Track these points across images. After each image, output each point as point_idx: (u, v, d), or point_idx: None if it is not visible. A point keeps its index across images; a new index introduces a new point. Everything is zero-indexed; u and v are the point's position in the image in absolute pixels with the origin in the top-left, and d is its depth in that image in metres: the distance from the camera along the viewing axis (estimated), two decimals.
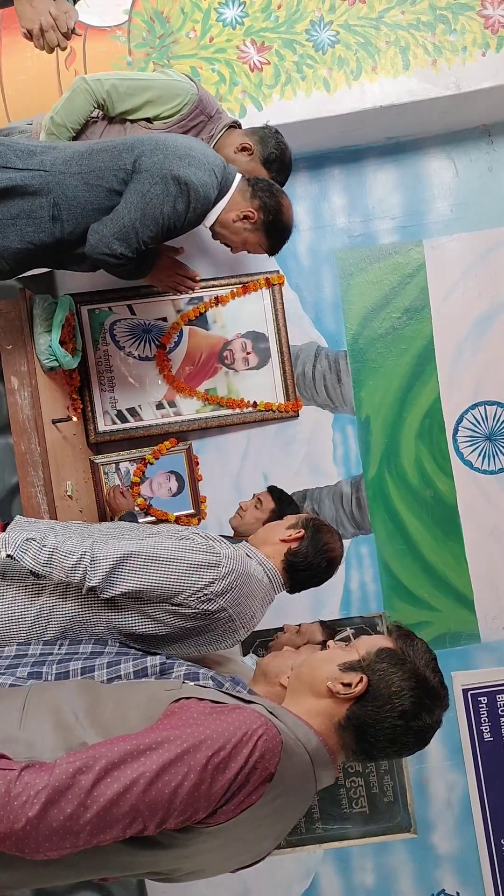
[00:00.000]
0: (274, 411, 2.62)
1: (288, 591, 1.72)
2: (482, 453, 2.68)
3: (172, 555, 1.49)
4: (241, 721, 1.05)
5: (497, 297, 2.66)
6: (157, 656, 1.38)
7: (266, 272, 2.60)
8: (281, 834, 1.17)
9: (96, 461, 2.53)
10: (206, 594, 1.47)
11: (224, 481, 2.64)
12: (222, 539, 1.67)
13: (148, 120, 2.02)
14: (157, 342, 2.60)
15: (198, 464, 2.62)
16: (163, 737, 1.03)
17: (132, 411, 2.61)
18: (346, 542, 2.42)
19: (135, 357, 2.61)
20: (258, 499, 2.29)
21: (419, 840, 2.62)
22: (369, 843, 2.62)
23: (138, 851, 1.05)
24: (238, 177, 1.96)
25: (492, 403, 2.67)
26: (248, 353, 2.63)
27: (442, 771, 2.64)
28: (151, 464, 2.57)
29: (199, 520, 2.61)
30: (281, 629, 2.15)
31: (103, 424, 2.59)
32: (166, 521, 2.57)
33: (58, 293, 2.54)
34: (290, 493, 2.36)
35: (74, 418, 2.41)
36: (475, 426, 2.67)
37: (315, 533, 1.70)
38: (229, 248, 2.09)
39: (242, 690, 1.27)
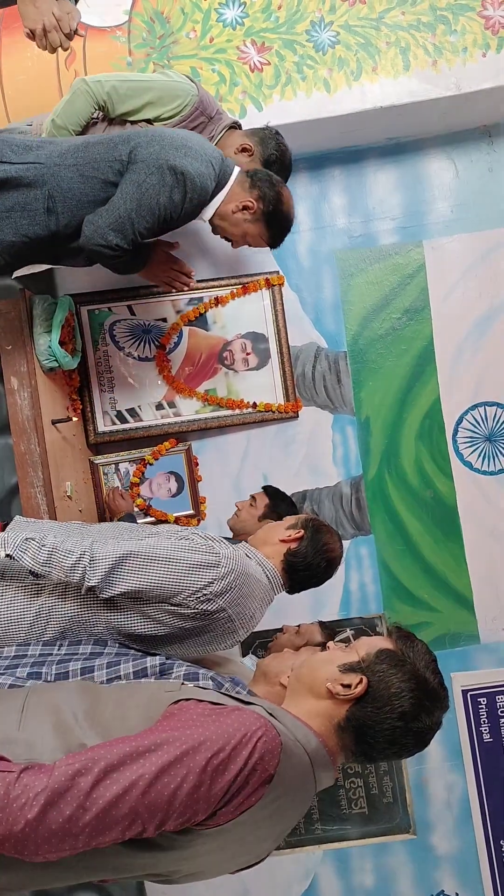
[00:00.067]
0: (274, 412, 2.62)
1: (287, 592, 1.72)
2: (482, 454, 2.68)
3: (172, 554, 1.49)
4: (241, 722, 1.05)
5: (497, 298, 2.66)
6: (157, 657, 1.38)
7: (266, 273, 2.60)
8: (280, 835, 1.17)
9: (96, 462, 2.53)
10: (205, 594, 1.47)
11: (224, 482, 2.64)
12: (222, 540, 1.67)
13: (148, 121, 2.01)
14: (156, 343, 2.60)
15: (197, 464, 2.62)
16: (162, 738, 1.02)
17: (132, 412, 2.61)
18: (345, 543, 2.42)
19: (134, 358, 2.60)
20: (253, 497, 2.30)
21: (418, 841, 2.62)
22: (369, 844, 2.62)
23: (137, 853, 1.05)
24: (237, 169, 1.95)
25: (492, 404, 2.67)
26: (247, 354, 2.63)
27: (441, 772, 2.64)
28: (151, 464, 2.57)
29: (199, 520, 2.61)
30: (280, 630, 2.15)
31: (103, 425, 2.59)
32: (166, 521, 2.57)
33: (58, 293, 2.54)
34: (289, 494, 2.36)
35: (74, 419, 2.41)
36: (475, 427, 2.67)
37: (314, 533, 1.70)
38: (230, 243, 2.07)
39: (242, 691, 1.27)
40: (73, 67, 2.29)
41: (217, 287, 2.59)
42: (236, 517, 2.30)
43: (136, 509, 2.51)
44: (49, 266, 2.00)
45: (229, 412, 2.61)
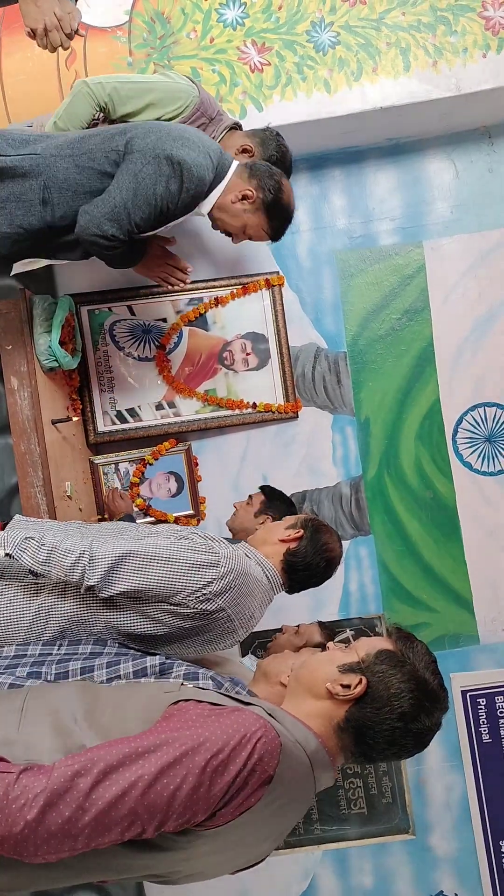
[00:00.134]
0: (273, 412, 2.62)
1: (287, 592, 1.72)
2: (482, 455, 2.68)
3: (171, 554, 1.49)
4: (240, 723, 1.05)
5: (497, 299, 2.66)
6: (157, 656, 1.38)
7: (266, 273, 2.60)
8: (280, 836, 1.17)
9: (96, 462, 2.53)
10: (204, 594, 1.47)
11: (223, 482, 2.64)
12: (222, 539, 1.67)
13: None
14: (156, 343, 2.60)
15: (197, 464, 2.62)
16: (161, 739, 1.02)
17: (132, 412, 2.61)
18: (345, 544, 2.41)
19: (134, 358, 2.60)
20: (249, 496, 2.31)
21: (418, 841, 2.62)
22: (368, 845, 2.62)
23: (137, 854, 1.05)
24: (235, 162, 1.93)
25: (491, 405, 2.67)
26: (247, 354, 2.63)
27: (440, 772, 2.64)
28: (151, 464, 2.57)
29: (199, 521, 2.61)
30: (279, 630, 2.15)
31: (103, 425, 2.59)
32: (165, 521, 2.57)
33: (58, 293, 2.54)
34: (289, 495, 2.36)
35: (74, 419, 2.41)
36: (475, 428, 2.67)
37: (314, 533, 1.70)
38: (231, 238, 2.04)
39: (242, 691, 1.27)
40: (73, 67, 2.29)
41: (217, 287, 2.59)
42: (234, 517, 2.30)
43: (135, 509, 2.51)
44: (46, 263, 1.99)
45: (229, 412, 2.61)
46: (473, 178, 2.65)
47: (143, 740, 1.03)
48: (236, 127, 2.18)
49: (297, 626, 2.13)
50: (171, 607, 1.48)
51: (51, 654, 1.43)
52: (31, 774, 0.99)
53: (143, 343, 2.60)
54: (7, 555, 1.48)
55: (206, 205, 1.92)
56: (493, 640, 2.66)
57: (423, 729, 1.16)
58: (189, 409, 2.61)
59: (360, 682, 1.16)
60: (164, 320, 2.60)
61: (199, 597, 1.47)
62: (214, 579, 1.48)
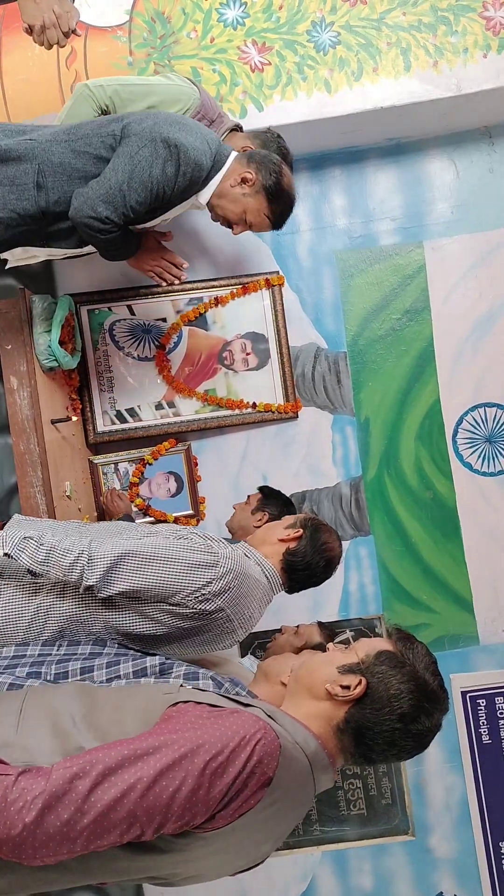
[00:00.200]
0: (273, 412, 2.62)
1: (286, 592, 1.72)
2: (482, 455, 2.67)
3: (170, 554, 1.48)
4: (239, 725, 1.05)
5: (497, 299, 2.65)
6: (157, 656, 1.38)
7: (266, 273, 2.60)
8: (280, 837, 1.16)
9: (95, 461, 2.53)
10: (203, 594, 1.47)
11: (223, 482, 2.63)
12: (221, 540, 1.66)
13: None
14: (156, 343, 2.60)
15: (197, 464, 2.61)
16: (160, 741, 1.02)
17: (131, 412, 2.60)
18: (345, 544, 2.41)
19: (134, 357, 2.60)
20: (248, 496, 2.31)
21: (417, 842, 2.62)
22: (367, 846, 2.61)
23: (136, 856, 1.05)
24: (234, 152, 1.92)
25: (491, 405, 2.67)
26: (247, 354, 2.62)
27: (440, 773, 2.63)
28: (150, 464, 2.57)
29: (198, 521, 2.61)
30: (279, 630, 2.15)
31: (102, 425, 2.58)
32: (165, 521, 2.56)
33: (57, 293, 2.54)
34: (289, 495, 2.36)
35: (74, 418, 2.41)
36: (475, 428, 2.67)
37: (313, 532, 1.70)
38: (231, 229, 1.99)
39: (242, 692, 1.26)
40: (73, 67, 2.29)
41: (217, 287, 2.59)
42: (232, 517, 2.30)
43: (134, 510, 2.51)
44: (42, 257, 1.97)
45: (229, 412, 2.61)
46: (474, 178, 2.65)
47: (142, 742, 1.02)
48: (237, 129, 2.18)
49: (297, 626, 2.13)
50: (170, 607, 1.48)
51: (50, 654, 1.43)
52: (29, 776, 0.99)
53: (142, 343, 2.60)
54: (6, 554, 1.48)
55: (205, 194, 1.89)
56: (493, 640, 2.65)
57: (423, 730, 1.16)
58: (189, 409, 2.61)
59: (360, 683, 1.16)
60: (164, 320, 2.60)
61: (197, 597, 1.47)
62: (213, 579, 1.48)
